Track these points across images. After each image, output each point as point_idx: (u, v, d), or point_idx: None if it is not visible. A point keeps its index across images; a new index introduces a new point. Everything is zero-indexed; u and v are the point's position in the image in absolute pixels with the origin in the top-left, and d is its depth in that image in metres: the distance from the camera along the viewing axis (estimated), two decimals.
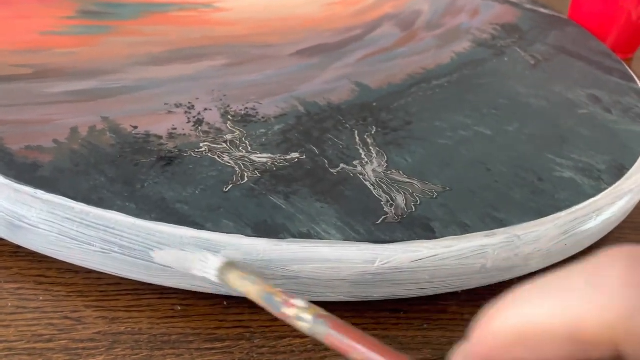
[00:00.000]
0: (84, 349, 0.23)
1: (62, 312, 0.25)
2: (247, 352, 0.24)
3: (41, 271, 0.26)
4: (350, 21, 0.47)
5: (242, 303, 0.26)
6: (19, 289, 0.25)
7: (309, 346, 0.25)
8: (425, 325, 0.27)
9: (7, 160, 0.26)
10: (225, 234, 0.24)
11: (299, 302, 0.19)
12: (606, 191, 0.32)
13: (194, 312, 0.26)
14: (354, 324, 0.26)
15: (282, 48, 0.41)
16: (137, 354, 0.24)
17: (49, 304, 0.25)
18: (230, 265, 0.22)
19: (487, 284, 0.28)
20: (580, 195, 0.31)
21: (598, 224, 0.31)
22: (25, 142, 0.27)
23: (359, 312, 0.27)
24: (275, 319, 0.26)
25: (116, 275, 0.25)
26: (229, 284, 0.21)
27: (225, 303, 0.26)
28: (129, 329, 0.24)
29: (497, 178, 0.31)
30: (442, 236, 0.26)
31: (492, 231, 0.27)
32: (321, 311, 0.19)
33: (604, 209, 0.31)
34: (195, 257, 0.23)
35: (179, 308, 0.26)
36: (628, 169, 0.34)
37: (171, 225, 0.24)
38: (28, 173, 0.25)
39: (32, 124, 0.29)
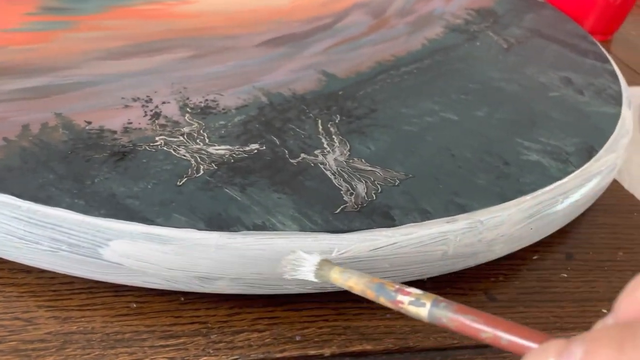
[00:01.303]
0: (33, 349, 0.23)
1: (12, 313, 0.24)
2: (202, 348, 0.24)
3: None
4: (320, 10, 0.47)
5: (200, 299, 0.26)
6: None
7: (267, 340, 0.25)
8: (388, 315, 0.26)
9: None
10: (176, 229, 0.24)
11: (414, 290, 0.20)
12: (573, 174, 0.31)
13: (150, 309, 0.25)
14: (314, 315, 0.26)
15: (248, 39, 0.40)
16: (88, 354, 0.23)
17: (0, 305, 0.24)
18: (327, 262, 0.22)
19: (452, 271, 0.28)
20: (547, 178, 0.30)
21: (565, 206, 0.30)
22: None
23: (322, 303, 0.27)
24: (233, 314, 0.25)
25: (66, 273, 0.25)
26: (331, 280, 0.22)
27: (182, 299, 0.26)
28: (81, 328, 0.24)
29: (462, 164, 0.31)
30: (402, 224, 0.26)
31: (453, 217, 0.27)
32: (439, 297, 0.19)
33: (572, 192, 0.31)
34: (288, 259, 0.23)
35: (134, 305, 0.25)
36: (597, 151, 0.34)
37: (120, 221, 0.24)
38: None
39: None
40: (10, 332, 0.23)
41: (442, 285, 0.28)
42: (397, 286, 0.20)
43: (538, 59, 0.44)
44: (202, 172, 0.27)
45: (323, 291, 0.26)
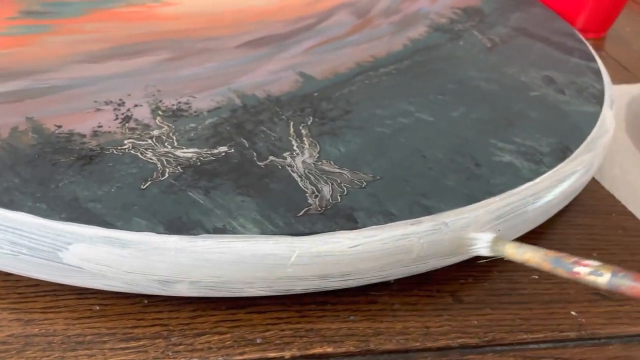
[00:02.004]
0: None
1: None
2: (162, 350, 0.24)
3: None
4: (303, 10, 0.47)
5: (163, 301, 0.26)
6: None
7: (227, 342, 0.25)
8: (352, 317, 0.27)
9: None
10: (135, 232, 0.24)
11: (593, 262, 0.22)
12: (546, 174, 0.31)
13: (112, 311, 0.25)
14: (277, 317, 0.26)
15: (228, 40, 0.40)
16: (48, 356, 0.23)
17: None
18: (500, 238, 0.26)
19: (419, 272, 0.28)
20: (518, 179, 0.30)
21: (536, 207, 0.30)
22: None
23: (286, 306, 0.27)
24: (196, 316, 0.26)
25: (28, 276, 0.25)
26: (506, 254, 0.25)
27: (145, 301, 0.26)
28: (43, 331, 0.24)
29: (432, 165, 0.31)
30: (365, 226, 0.26)
31: (417, 219, 0.27)
32: (617, 267, 0.21)
33: (543, 192, 0.30)
34: (463, 241, 0.26)
35: (97, 308, 0.25)
36: (573, 151, 0.33)
37: (80, 224, 0.24)
38: None
39: None
40: None
41: (408, 286, 0.28)
42: (575, 259, 0.22)
43: (521, 57, 0.44)
44: (167, 175, 0.27)
45: (284, 293, 0.26)
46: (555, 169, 0.32)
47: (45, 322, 0.25)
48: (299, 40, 0.42)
